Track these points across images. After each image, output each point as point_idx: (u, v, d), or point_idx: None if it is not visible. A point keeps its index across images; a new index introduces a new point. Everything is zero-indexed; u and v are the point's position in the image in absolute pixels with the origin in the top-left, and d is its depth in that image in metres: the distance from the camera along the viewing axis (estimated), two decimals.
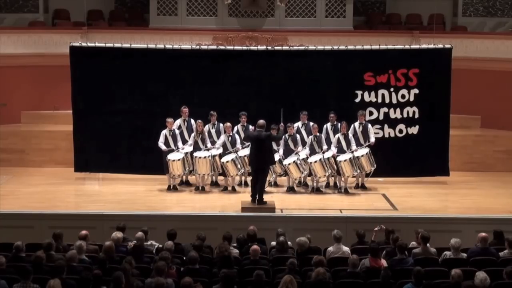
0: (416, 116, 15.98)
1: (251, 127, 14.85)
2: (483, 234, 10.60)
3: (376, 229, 11.38)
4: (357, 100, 15.91)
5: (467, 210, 13.82)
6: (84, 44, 16.15)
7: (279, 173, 15.16)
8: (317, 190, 15.01)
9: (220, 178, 15.34)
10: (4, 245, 10.69)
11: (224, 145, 15.04)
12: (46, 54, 18.50)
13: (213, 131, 15.25)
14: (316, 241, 10.92)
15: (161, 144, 15.02)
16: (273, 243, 10.96)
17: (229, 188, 15.14)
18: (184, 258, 10.01)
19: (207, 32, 18.96)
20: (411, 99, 15.97)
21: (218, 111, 15.33)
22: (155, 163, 15.30)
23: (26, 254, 9.89)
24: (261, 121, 13.96)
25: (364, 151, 14.99)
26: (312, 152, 14.97)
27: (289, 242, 10.75)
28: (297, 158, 14.77)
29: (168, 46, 16.06)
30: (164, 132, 15.08)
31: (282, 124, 14.37)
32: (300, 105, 15.57)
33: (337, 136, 15.09)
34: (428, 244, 10.50)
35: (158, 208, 13.90)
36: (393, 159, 15.91)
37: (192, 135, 15.14)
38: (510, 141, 17.70)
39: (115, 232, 10.65)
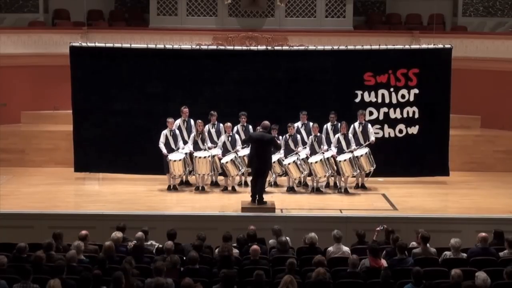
0: (416, 116, 15.98)
1: (250, 128, 14.91)
2: (483, 234, 10.60)
3: (378, 228, 11.39)
4: (357, 100, 15.91)
5: (467, 210, 13.81)
6: (84, 44, 16.15)
7: (279, 173, 15.15)
8: (317, 190, 15.01)
9: (220, 178, 15.33)
10: (4, 245, 10.69)
11: (224, 145, 15.04)
12: (46, 54, 18.50)
13: (213, 131, 15.25)
14: None
15: (161, 144, 15.02)
16: (271, 241, 10.97)
17: (229, 188, 15.13)
18: (184, 258, 10.01)
19: (207, 32, 18.96)
20: (411, 99, 15.97)
21: (218, 111, 15.33)
22: (155, 163, 15.29)
23: (26, 254, 9.89)
24: (266, 123, 13.87)
25: (363, 151, 14.99)
26: (313, 152, 14.97)
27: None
28: (297, 158, 14.77)
29: (168, 46, 16.06)
30: (165, 132, 15.08)
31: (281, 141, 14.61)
32: (300, 105, 15.57)
33: (337, 136, 15.09)
34: (428, 244, 10.50)
35: (158, 208, 13.90)
36: (393, 159, 15.91)
37: (192, 135, 15.14)
38: (510, 141, 17.69)
39: (115, 232, 10.65)
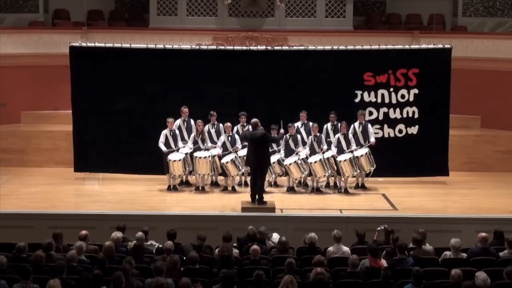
0: (416, 116, 15.98)
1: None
2: (483, 234, 10.60)
3: (378, 228, 11.38)
4: (357, 100, 15.92)
5: (467, 210, 13.82)
6: (84, 44, 16.16)
7: (279, 173, 15.15)
8: (317, 190, 15.01)
9: (220, 178, 15.33)
10: (4, 245, 10.69)
11: (224, 145, 15.04)
12: (46, 54, 18.50)
13: (213, 131, 15.26)
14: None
15: (161, 144, 15.03)
16: (274, 236, 10.98)
17: (229, 188, 15.13)
18: (184, 258, 10.01)
19: (207, 32, 18.97)
20: (411, 99, 15.97)
21: (218, 111, 15.33)
22: (155, 163, 15.29)
23: (26, 254, 9.89)
24: (254, 120, 13.82)
25: (363, 151, 15.00)
26: (313, 152, 14.97)
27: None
28: (298, 158, 14.77)
29: (168, 46, 16.07)
30: (165, 132, 15.09)
31: (283, 130, 14.41)
32: (300, 105, 15.57)
33: (337, 136, 15.10)
34: (427, 244, 10.51)
35: (158, 208, 13.90)
36: (393, 159, 15.89)
37: (192, 135, 15.15)
38: (510, 141, 17.70)
39: (115, 232, 10.64)
